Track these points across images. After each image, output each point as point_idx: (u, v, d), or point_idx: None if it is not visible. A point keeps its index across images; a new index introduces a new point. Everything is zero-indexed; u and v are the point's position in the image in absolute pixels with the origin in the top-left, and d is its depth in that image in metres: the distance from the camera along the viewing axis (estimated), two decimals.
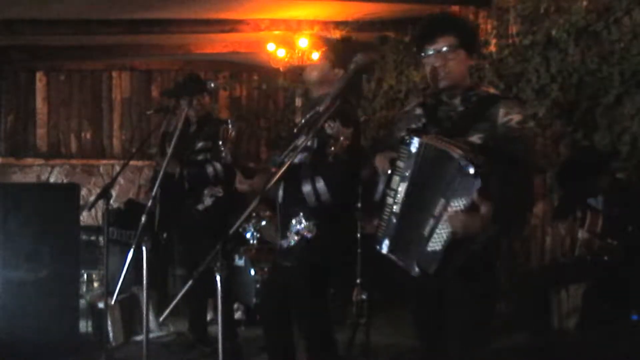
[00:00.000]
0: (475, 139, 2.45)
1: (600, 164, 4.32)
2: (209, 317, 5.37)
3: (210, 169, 4.47)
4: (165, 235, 4.56)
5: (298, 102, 8.13)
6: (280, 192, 3.27)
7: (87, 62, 8.48)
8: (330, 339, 3.37)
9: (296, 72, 7.29)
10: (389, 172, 2.49)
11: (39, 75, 8.74)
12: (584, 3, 4.69)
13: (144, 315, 3.50)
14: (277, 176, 2.35)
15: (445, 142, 2.37)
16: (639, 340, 3.93)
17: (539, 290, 4.55)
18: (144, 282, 3.40)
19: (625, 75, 4.39)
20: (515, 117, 2.48)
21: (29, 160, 8.62)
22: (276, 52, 6.91)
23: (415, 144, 2.41)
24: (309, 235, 3.16)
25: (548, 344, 4.47)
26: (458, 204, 2.29)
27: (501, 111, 2.49)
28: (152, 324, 4.82)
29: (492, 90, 2.66)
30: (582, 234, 4.25)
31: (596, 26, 4.59)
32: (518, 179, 2.40)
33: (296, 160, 3.05)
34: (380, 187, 2.54)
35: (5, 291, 4.28)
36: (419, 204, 2.40)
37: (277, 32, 6.69)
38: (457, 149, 2.31)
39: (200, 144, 4.58)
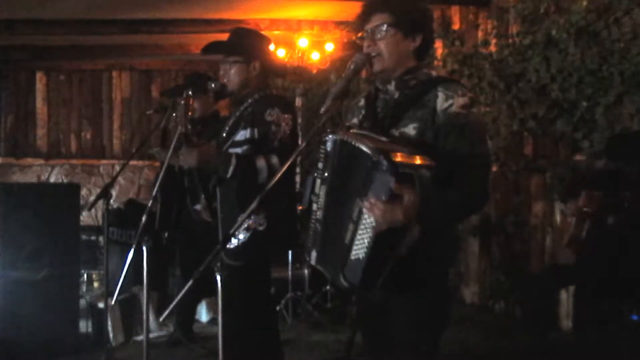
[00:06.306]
0: (410, 129, 2.15)
1: None
2: (209, 317, 5.39)
3: None
4: (166, 235, 4.54)
5: (298, 102, 8.12)
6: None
7: (87, 62, 8.51)
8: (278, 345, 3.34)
9: (296, 72, 7.30)
10: (314, 175, 2.24)
11: (39, 75, 8.76)
12: (584, 3, 4.68)
13: (144, 315, 3.49)
14: (276, 177, 2.27)
15: (361, 136, 2.07)
16: (638, 340, 3.92)
17: (539, 290, 4.54)
18: (144, 282, 3.40)
19: (625, 75, 4.39)
20: (458, 101, 2.13)
21: (29, 160, 8.64)
22: (276, 52, 6.91)
23: (330, 142, 2.16)
24: (261, 228, 3.07)
25: (548, 344, 4.47)
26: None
27: (440, 95, 2.14)
28: (152, 324, 4.82)
29: (434, 73, 2.29)
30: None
31: (596, 26, 4.59)
32: (462, 180, 2.07)
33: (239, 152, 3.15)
34: (307, 193, 2.30)
35: (5, 291, 4.27)
36: (338, 209, 2.11)
37: (277, 32, 6.69)
38: (370, 143, 2.00)
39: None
